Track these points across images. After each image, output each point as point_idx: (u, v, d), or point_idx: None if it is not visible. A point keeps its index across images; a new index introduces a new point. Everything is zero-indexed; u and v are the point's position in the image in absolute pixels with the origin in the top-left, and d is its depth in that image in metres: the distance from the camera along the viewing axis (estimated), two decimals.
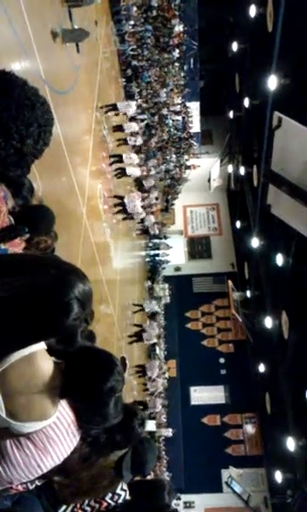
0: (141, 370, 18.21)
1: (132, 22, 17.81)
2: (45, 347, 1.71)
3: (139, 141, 16.62)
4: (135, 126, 15.95)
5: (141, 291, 22.41)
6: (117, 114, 14.85)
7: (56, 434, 1.68)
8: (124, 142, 16.15)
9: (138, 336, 17.65)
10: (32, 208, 3.62)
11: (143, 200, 16.67)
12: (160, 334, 23.57)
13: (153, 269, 26.77)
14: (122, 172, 15.26)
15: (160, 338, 23.90)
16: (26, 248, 3.31)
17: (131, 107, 15.20)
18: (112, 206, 14.82)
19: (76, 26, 9.82)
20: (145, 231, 22.25)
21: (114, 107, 14.44)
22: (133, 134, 16.29)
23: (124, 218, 15.92)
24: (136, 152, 17.07)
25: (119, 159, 15.01)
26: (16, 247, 3.14)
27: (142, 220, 19.73)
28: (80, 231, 10.54)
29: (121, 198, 15.09)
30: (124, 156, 15.02)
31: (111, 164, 14.77)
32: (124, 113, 15.05)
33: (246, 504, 21.38)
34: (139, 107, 17.48)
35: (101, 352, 1.87)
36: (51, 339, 1.71)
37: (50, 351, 1.73)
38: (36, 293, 1.47)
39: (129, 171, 15.35)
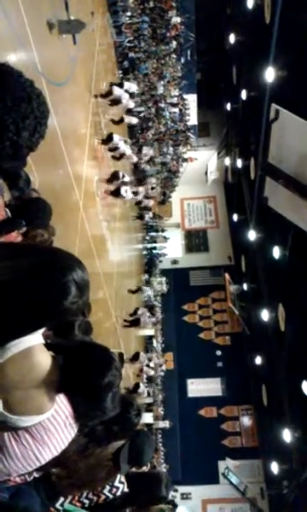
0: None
1: (129, 13, 17.68)
2: (43, 341, 1.71)
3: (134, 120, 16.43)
4: (133, 119, 15.88)
5: (139, 284, 22.42)
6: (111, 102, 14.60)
7: (54, 426, 1.69)
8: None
9: (135, 322, 17.64)
10: (29, 201, 3.61)
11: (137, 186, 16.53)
12: (157, 327, 23.66)
13: (150, 262, 26.80)
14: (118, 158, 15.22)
15: (157, 331, 24.00)
16: (23, 242, 3.30)
17: (132, 87, 15.07)
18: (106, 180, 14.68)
19: (72, 18, 9.73)
20: (140, 217, 22.15)
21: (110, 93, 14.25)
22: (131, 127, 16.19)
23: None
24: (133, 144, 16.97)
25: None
26: (13, 240, 3.13)
27: (140, 203, 19.58)
28: (77, 224, 10.53)
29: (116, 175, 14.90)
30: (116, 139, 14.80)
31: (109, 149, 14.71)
32: (119, 101, 14.79)
33: (243, 495, 21.55)
34: (136, 98, 17.34)
35: (98, 347, 1.87)
36: (49, 323, 1.70)
37: (48, 345, 1.73)
38: (34, 276, 1.47)
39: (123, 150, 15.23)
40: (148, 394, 20.12)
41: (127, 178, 15.00)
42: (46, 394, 1.64)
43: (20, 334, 1.57)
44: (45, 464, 1.75)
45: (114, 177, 14.47)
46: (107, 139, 14.18)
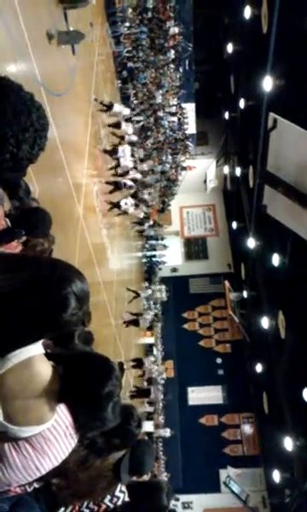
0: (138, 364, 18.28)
1: (127, 24, 17.82)
2: (43, 351, 1.71)
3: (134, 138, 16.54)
4: (131, 129, 15.94)
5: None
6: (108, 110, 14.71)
7: (54, 436, 1.69)
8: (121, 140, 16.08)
9: (135, 322, 17.63)
10: (29, 211, 3.62)
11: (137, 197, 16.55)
12: (157, 335, 23.62)
13: (149, 270, 26.79)
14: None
15: (157, 339, 23.95)
16: (23, 251, 3.31)
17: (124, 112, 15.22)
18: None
19: (71, 28, 9.83)
20: (140, 223, 22.17)
21: (110, 107, 14.36)
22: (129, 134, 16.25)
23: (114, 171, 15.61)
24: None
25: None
26: (13, 249, 3.14)
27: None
28: (77, 233, 10.54)
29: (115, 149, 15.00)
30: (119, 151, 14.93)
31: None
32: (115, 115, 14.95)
33: (245, 504, 21.39)
34: (134, 109, 17.47)
35: (98, 357, 1.87)
36: (49, 334, 1.71)
37: (48, 355, 1.73)
38: (34, 288, 1.48)
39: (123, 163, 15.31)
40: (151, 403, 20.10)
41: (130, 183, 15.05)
42: (46, 404, 1.65)
43: (20, 345, 1.58)
44: (45, 474, 1.74)
45: (117, 187, 14.60)
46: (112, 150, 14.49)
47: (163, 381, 23.57)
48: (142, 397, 18.56)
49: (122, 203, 14.75)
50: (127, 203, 14.99)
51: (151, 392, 18.41)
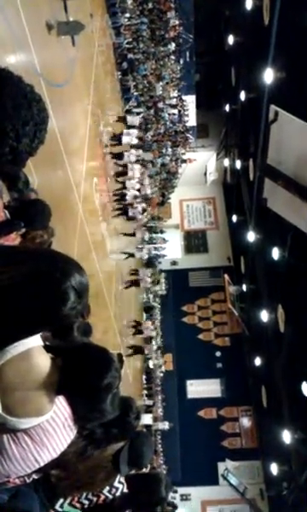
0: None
1: (128, 15, 17.70)
2: (42, 343, 1.71)
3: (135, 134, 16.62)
4: (134, 120, 16.02)
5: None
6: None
7: (53, 428, 1.69)
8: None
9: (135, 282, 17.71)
10: (29, 203, 3.61)
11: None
12: (157, 328, 23.63)
13: (149, 263, 26.74)
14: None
15: (157, 331, 23.97)
16: (22, 243, 3.30)
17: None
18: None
19: (71, 19, 9.75)
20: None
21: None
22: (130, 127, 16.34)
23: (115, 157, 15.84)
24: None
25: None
26: (12, 241, 3.13)
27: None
28: (76, 225, 10.53)
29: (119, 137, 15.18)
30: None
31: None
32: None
33: (243, 496, 21.53)
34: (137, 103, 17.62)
35: (97, 349, 1.87)
36: (47, 328, 1.71)
37: (47, 347, 1.73)
38: (33, 282, 1.48)
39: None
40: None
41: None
42: (45, 396, 1.64)
43: (19, 338, 1.58)
44: (44, 466, 1.74)
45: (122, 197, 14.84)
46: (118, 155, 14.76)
47: (162, 374, 23.71)
48: (138, 353, 18.62)
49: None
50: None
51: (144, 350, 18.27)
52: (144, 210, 16.85)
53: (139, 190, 16.37)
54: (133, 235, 18.48)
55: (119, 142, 14.94)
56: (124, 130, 15.51)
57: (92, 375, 1.74)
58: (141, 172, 16.93)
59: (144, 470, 3.54)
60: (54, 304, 1.48)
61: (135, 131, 15.79)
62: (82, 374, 1.73)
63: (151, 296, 23.33)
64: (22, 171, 3.67)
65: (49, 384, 1.65)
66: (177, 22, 22.75)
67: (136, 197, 15.81)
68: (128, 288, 17.31)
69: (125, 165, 15.72)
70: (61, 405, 1.71)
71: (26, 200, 3.66)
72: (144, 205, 16.95)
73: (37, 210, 3.54)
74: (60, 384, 1.67)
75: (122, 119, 16.04)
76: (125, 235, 17.70)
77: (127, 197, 15.57)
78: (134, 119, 16.14)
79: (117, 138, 15.04)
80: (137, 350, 18.39)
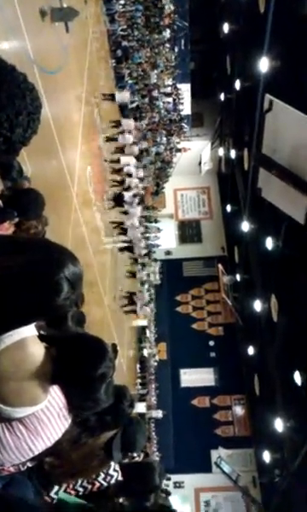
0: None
1: (122, 2, 17.49)
2: (36, 333, 1.71)
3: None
4: (123, 97, 15.99)
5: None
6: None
7: (47, 417, 1.69)
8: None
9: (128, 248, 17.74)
10: (22, 192, 3.59)
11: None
12: (150, 318, 23.71)
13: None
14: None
15: (150, 321, 24.05)
16: (16, 233, 3.29)
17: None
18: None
19: (65, 5, 9.62)
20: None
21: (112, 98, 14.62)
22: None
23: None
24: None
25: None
26: (5, 231, 3.12)
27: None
28: (70, 214, 10.49)
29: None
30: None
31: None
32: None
33: (235, 484, 21.76)
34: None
35: (92, 338, 1.87)
36: (41, 319, 1.71)
37: (41, 337, 1.73)
38: (26, 273, 1.48)
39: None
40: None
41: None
42: (40, 386, 1.65)
43: (12, 328, 1.58)
44: (38, 454, 1.75)
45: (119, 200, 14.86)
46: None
47: (155, 363, 23.82)
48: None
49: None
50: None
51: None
52: (142, 199, 16.82)
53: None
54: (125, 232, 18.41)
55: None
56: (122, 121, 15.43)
57: (86, 364, 1.75)
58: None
59: (137, 459, 3.57)
60: (47, 294, 1.49)
61: (131, 122, 15.71)
62: (76, 364, 1.73)
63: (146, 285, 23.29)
64: (16, 160, 3.65)
65: (43, 374, 1.65)
66: (172, 8, 22.52)
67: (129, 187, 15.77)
68: (122, 252, 17.28)
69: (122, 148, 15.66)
70: (56, 395, 1.72)
71: (19, 190, 3.64)
72: (141, 191, 16.93)
73: (30, 199, 3.53)
74: (54, 374, 1.68)
75: (110, 97, 15.73)
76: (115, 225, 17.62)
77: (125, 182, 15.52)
78: (123, 96, 15.85)
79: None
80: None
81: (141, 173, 16.92)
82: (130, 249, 17.85)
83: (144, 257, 19.37)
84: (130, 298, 18.20)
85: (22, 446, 1.67)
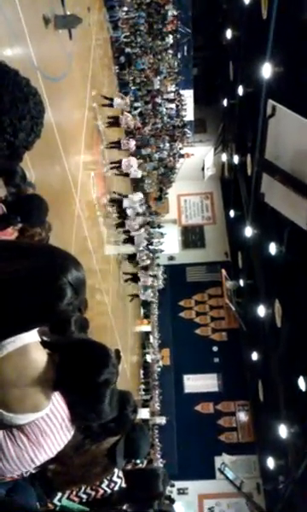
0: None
1: (125, 8, 17.59)
2: (39, 339, 1.70)
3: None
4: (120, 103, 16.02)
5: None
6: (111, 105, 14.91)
7: (50, 428, 1.68)
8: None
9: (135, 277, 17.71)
10: (25, 198, 3.60)
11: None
12: (153, 324, 23.68)
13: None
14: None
15: (154, 327, 24.02)
16: (19, 239, 3.30)
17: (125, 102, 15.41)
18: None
19: (68, 12, 9.69)
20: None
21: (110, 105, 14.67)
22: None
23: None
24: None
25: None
26: (9, 236, 3.13)
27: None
28: (73, 219, 10.50)
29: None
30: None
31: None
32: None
33: (239, 490, 21.62)
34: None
35: (95, 344, 1.86)
36: (44, 324, 1.70)
37: (44, 343, 1.72)
38: (30, 277, 1.48)
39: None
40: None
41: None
42: (42, 392, 1.64)
43: (15, 333, 1.57)
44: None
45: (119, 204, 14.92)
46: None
47: (159, 369, 23.76)
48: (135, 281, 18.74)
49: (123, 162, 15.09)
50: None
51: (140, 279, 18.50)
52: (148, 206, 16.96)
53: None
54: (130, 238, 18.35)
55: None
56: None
57: (89, 370, 1.73)
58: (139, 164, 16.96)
59: (141, 465, 3.55)
60: (50, 299, 1.48)
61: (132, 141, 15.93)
62: (79, 369, 1.72)
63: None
64: (19, 165, 3.66)
65: (46, 380, 1.64)
66: (175, 13, 22.61)
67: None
68: (127, 281, 17.27)
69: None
70: (59, 405, 1.70)
71: (22, 195, 3.65)
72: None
73: (33, 205, 3.53)
74: (56, 380, 1.67)
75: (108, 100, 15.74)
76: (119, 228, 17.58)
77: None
78: (120, 102, 15.84)
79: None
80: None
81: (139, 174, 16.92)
82: (132, 257, 17.92)
83: (147, 261, 19.26)
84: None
85: (24, 457, 1.66)
